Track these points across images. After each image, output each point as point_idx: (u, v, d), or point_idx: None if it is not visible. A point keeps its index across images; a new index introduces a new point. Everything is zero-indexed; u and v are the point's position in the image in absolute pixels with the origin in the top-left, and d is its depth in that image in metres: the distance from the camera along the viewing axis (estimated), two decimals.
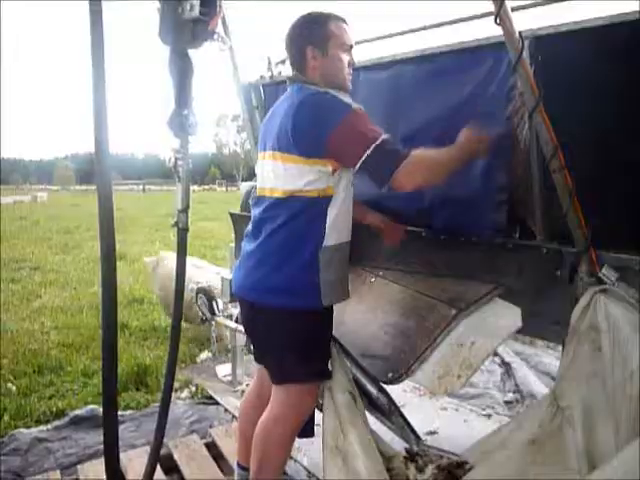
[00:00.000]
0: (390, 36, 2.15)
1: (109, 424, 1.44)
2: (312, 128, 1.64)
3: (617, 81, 1.57)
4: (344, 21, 1.79)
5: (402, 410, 2.07)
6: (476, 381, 3.59)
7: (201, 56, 1.83)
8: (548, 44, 1.63)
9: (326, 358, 1.84)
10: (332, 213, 1.72)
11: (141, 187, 45.14)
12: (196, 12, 1.54)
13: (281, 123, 1.72)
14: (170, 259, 4.52)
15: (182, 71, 1.64)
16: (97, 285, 6.45)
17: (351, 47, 1.79)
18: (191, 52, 1.76)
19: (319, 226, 1.72)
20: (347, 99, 1.70)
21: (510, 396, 3.41)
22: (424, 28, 2.00)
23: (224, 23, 2.54)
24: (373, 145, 1.59)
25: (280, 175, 1.73)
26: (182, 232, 1.82)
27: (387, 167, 1.60)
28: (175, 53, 1.64)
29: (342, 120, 1.61)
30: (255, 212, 1.85)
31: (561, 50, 1.62)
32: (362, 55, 2.11)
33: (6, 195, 28.36)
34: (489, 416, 3.13)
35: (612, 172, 1.67)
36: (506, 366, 3.83)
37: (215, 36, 1.66)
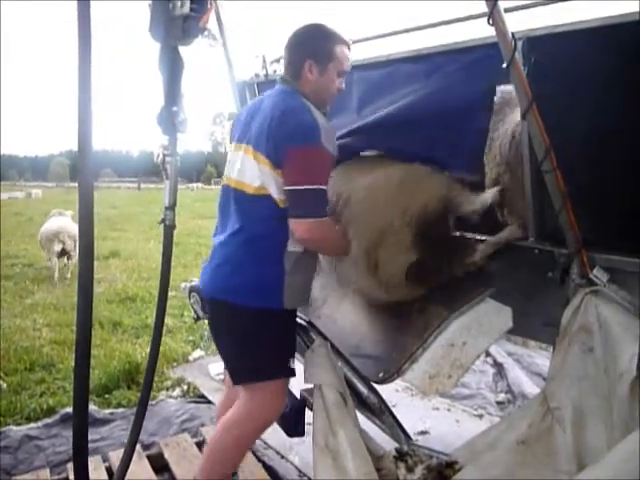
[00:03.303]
0: (384, 36, 2.15)
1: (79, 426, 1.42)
2: (284, 141, 1.68)
3: (610, 82, 1.57)
4: (349, 47, 1.84)
5: (394, 410, 2.07)
6: (468, 381, 3.60)
7: (197, 54, 1.83)
8: (542, 45, 1.63)
9: (286, 357, 1.84)
10: None
11: (136, 185, 44.99)
12: (187, 8, 1.53)
13: (262, 124, 1.74)
14: (58, 217, 7.43)
15: (172, 68, 1.63)
16: None
17: (345, 74, 1.85)
18: (185, 49, 1.76)
19: (285, 230, 1.73)
20: (323, 125, 1.71)
21: (502, 397, 3.43)
22: (419, 28, 2.00)
23: (219, 21, 2.53)
24: (307, 186, 1.66)
25: (253, 172, 1.74)
26: (168, 229, 1.82)
27: (300, 210, 1.68)
28: (165, 49, 1.63)
29: (305, 146, 1.66)
30: (221, 201, 1.87)
31: (555, 51, 1.63)
32: (359, 54, 2.13)
33: (1, 191, 28.21)
34: (481, 416, 3.14)
35: (605, 173, 1.67)
36: (498, 367, 3.84)
37: (205, 33, 1.65)
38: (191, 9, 1.53)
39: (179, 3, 1.51)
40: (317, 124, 1.68)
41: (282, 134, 1.68)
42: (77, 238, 5.60)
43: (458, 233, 1.96)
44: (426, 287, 1.90)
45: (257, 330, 1.79)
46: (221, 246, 1.83)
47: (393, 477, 1.76)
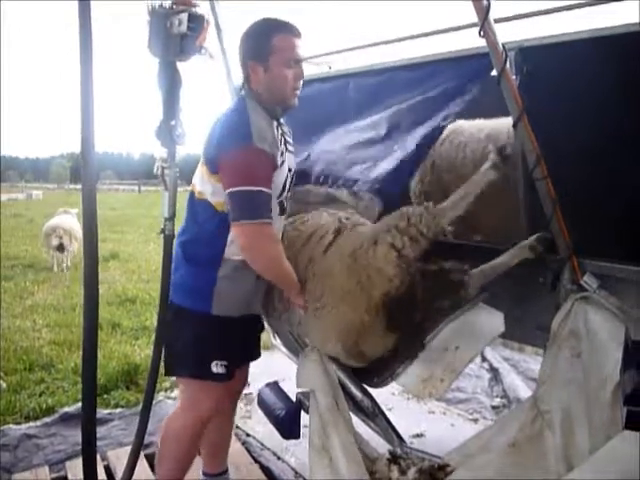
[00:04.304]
0: (376, 44, 2.17)
1: (88, 423, 1.45)
2: (217, 147, 1.71)
3: (602, 92, 1.60)
4: (294, 33, 1.75)
5: (390, 413, 2.09)
6: (464, 386, 3.63)
7: (197, 57, 1.86)
8: (534, 55, 1.67)
9: (208, 361, 1.84)
10: None
11: (136, 187, 44.96)
12: (184, 27, 1.56)
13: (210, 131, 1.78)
14: (62, 215, 8.12)
15: (170, 83, 1.66)
16: None
17: (298, 61, 1.76)
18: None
19: (221, 237, 1.77)
20: (257, 125, 1.68)
21: (497, 401, 3.45)
22: (412, 37, 2.02)
23: (217, 27, 2.58)
24: (239, 188, 1.64)
25: (198, 177, 1.82)
26: (168, 239, 1.85)
27: (235, 214, 1.67)
28: (164, 65, 1.66)
29: (233, 149, 1.66)
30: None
31: (546, 61, 1.66)
32: (354, 62, 2.16)
33: (1, 192, 28.27)
34: (476, 420, 3.16)
35: (595, 181, 1.70)
36: (494, 372, 3.87)
37: (202, 51, 1.69)
38: (188, 28, 1.56)
39: (177, 22, 1.54)
40: (249, 125, 1.66)
41: (215, 140, 1.72)
42: (74, 234, 6.17)
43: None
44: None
45: (183, 328, 1.85)
46: (176, 243, 1.88)
47: None
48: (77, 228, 7.56)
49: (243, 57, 1.78)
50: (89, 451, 1.43)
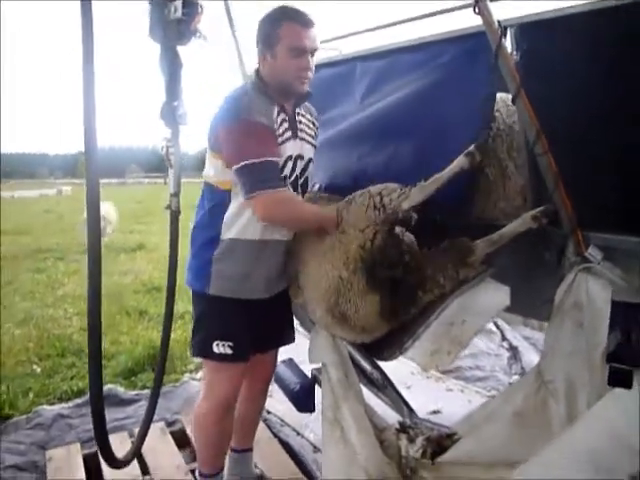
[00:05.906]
0: (368, 30, 2.19)
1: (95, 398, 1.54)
2: (215, 128, 1.76)
3: (599, 67, 1.61)
4: (303, 23, 1.74)
5: (408, 391, 2.15)
6: (483, 364, 3.66)
7: (209, 48, 1.94)
8: (533, 32, 1.67)
9: (209, 340, 1.87)
10: (232, 207, 1.80)
11: (160, 180, 45.50)
12: (179, 13, 1.67)
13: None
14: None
15: (171, 66, 1.74)
16: (116, 275, 6.70)
17: (304, 51, 1.74)
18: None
19: (218, 216, 1.82)
20: (248, 100, 1.72)
21: (515, 379, 3.46)
22: (410, 20, 2.02)
23: (229, 16, 2.63)
24: (242, 162, 1.67)
25: (207, 161, 1.87)
26: (174, 214, 1.95)
27: (246, 188, 1.70)
28: (164, 50, 1.75)
29: (228, 125, 1.71)
30: None
31: (546, 37, 1.67)
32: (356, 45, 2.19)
33: (32, 189, 29.02)
34: (493, 397, 3.18)
35: (599, 155, 1.71)
36: (513, 350, 3.88)
37: (197, 34, 1.76)
38: (183, 13, 1.66)
39: (173, 8, 1.64)
40: (240, 99, 1.72)
41: (213, 121, 1.77)
42: (108, 218, 7.16)
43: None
44: (416, 309, 1.84)
45: (193, 309, 1.97)
46: None
47: (395, 448, 1.84)
48: (112, 212, 9.33)
49: (257, 43, 1.83)
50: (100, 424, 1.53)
